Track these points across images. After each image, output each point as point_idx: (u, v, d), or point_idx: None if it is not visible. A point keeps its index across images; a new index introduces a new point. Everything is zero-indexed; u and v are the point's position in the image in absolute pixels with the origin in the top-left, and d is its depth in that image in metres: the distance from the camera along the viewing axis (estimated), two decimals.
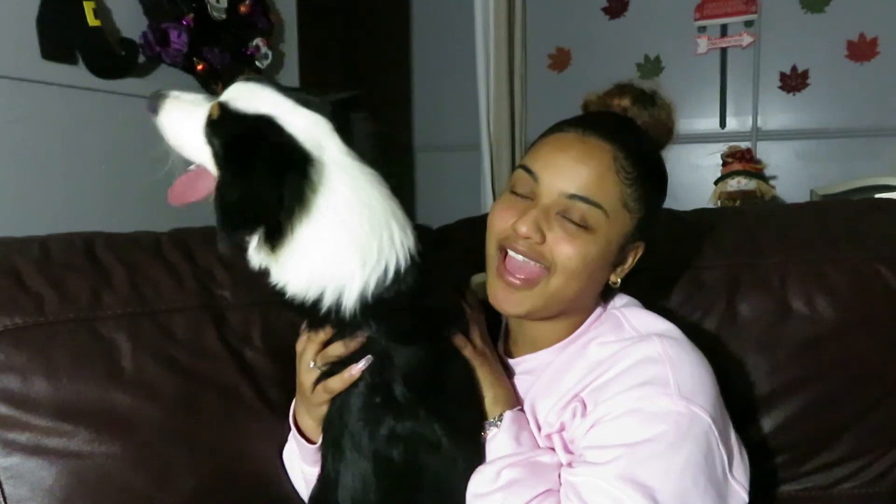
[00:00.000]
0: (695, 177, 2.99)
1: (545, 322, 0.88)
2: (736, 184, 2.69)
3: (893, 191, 2.38)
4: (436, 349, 0.81)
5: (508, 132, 2.97)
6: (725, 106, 3.11)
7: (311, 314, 0.77)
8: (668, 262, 1.10)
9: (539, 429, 0.85)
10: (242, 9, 2.06)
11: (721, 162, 2.82)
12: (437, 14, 3.56)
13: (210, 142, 0.76)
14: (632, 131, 0.87)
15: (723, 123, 3.12)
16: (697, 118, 3.12)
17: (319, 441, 0.88)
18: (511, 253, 0.84)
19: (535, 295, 0.83)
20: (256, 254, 0.77)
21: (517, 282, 0.83)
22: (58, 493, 0.83)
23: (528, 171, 0.84)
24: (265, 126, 0.73)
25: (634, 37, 3.17)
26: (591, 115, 0.91)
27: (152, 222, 1.14)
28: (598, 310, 0.91)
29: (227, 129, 0.74)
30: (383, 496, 0.80)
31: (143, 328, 0.92)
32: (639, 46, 3.15)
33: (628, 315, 0.88)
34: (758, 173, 2.73)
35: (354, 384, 0.80)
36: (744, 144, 2.90)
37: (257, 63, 2.16)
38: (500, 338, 0.99)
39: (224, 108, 0.75)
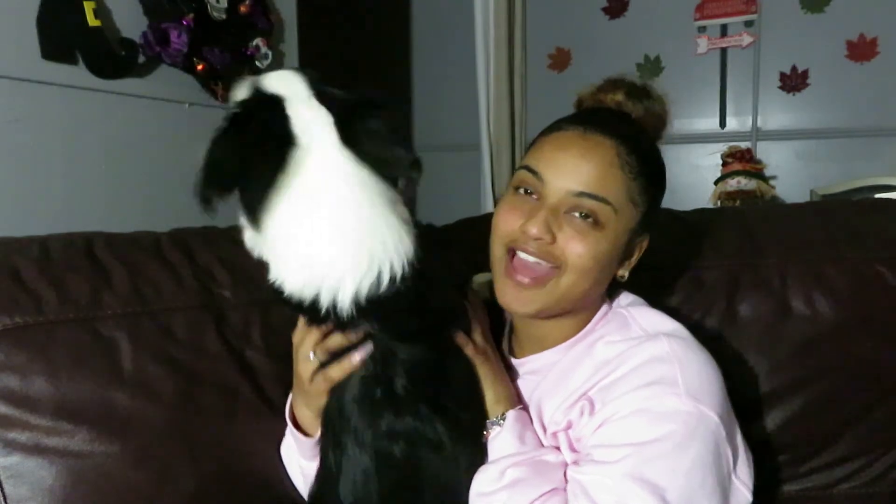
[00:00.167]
0: (695, 177, 2.99)
1: (552, 321, 0.88)
2: (736, 184, 2.69)
3: (893, 191, 2.38)
4: (437, 347, 0.81)
5: (508, 132, 2.97)
6: (725, 106, 3.11)
7: (311, 312, 0.77)
8: (668, 262, 1.10)
9: (544, 429, 0.84)
10: (242, 9, 2.06)
11: (721, 162, 2.82)
12: (437, 14, 3.57)
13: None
14: (630, 126, 0.87)
15: (723, 123, 3.12)
16: (697, 118, 3.12)
17: (317, 435, 0.87)
18: (521, 254, 0.84)
19: (546, 293, 0.83)
20: (247, 232, 0.79)
21: (527, 280, 0.83)
22: (58, 492, 0.83)
23: (532, 171, 0.84)
24: (268, 103, 0.75)
25: (634, 37, 3.17)
26: (588, 112, 0.91)
27: (152, 222, 1.14)
28: (604, 308, 0.90)
29: (242, 99, 0.78)
30: (385, 492, 0.80)
31: (143, 328, 0.92)
32: (639, 46, 3.15)
33: (635, 314, 0.88)
34: (758, 173, 2.73)
35: (355, 377, 0.80)
36: (744, 144, 2.90)
37: (257, 63, 2.16)
38: (505, 338, 0.99)
39: (253, 85, 0.79)
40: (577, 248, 0.81)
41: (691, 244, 1.13)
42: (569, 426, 0.81)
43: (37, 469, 0.83)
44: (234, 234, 1.12)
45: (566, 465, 0.80)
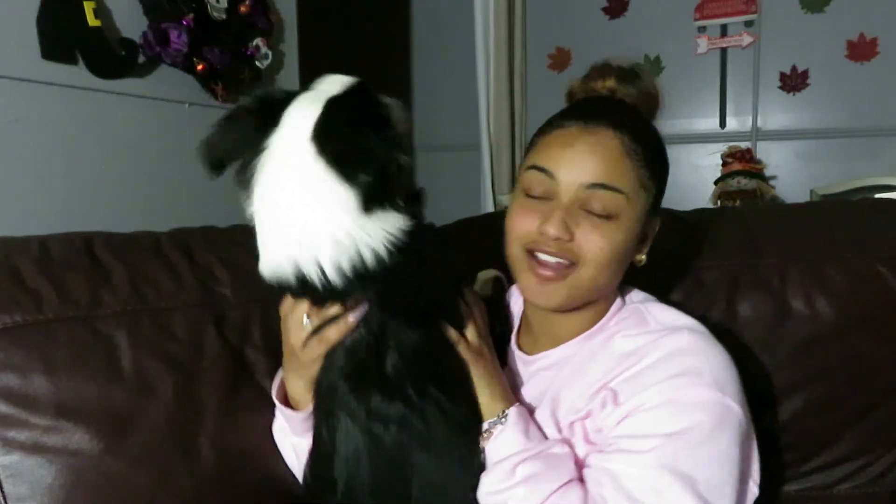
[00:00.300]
0: (695, 177, 3.00)
1: (570, 314, 0.89)
2: (736, 184, 2.70)
3: (893, 191, 2.39)
4: (431, 335, 0.81)
5: (508, 132, 2.97)
6: (725, 106, 3.11)
7: (311, 292, 0.77)
8: (668, 262, 1.10)
9: (558, 423, 0.84)
10: (242, 9, 2.07)
11: (721, 162, 2.83)
12: (437, 14, 3.57)
13: None
14: (628, 113, 0.87)
15: (723, 123, 3.12)
16: (697, 118, 3.12)
17: (309, 408, 0.87)
18: (540, 255, 0.84)
19: (568, 285, 0.83)
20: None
21: (551, 273, 0.83)
22: (57, 491, 0.83)
23: (542, 169, 0.84)
24: (277, 103, 0.78)
25: (634, 37, 3.18)
26: (583, 103, 0.91)
27: (152, 222, 1.14)
28: (618, 303, 0.91)
29: (259, 94, 0.82)
30: (375, 476, 0.80)
31: (143, 326, 0.92)
32: (639, 46, 3.15)
33: (652, 310, 0.89)
34: (758, 173, 2.74)
35: (344, 349, 0.79)
36: (744, 144, 2.90)
37: (257, 63, 2.16)
38: (514, 336, 0.99)
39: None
40: (596, 242, 0.81)
41: (691, 244, 1.13)
42: (587, 415, 0.81)
43: (36, 468, 0.83)
44: (234, 234, 1.13)
45: (573, 456, 0.80)
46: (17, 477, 0.82)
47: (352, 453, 0.80)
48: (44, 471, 0.83)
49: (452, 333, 0.82)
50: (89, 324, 0.89)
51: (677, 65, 3.13)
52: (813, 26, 2.93)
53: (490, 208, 2.86)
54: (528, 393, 0.91)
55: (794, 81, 2.99)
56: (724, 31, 3.08)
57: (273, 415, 0.97)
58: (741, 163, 2.74)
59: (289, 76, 2.38)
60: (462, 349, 0.82)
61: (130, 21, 1.81)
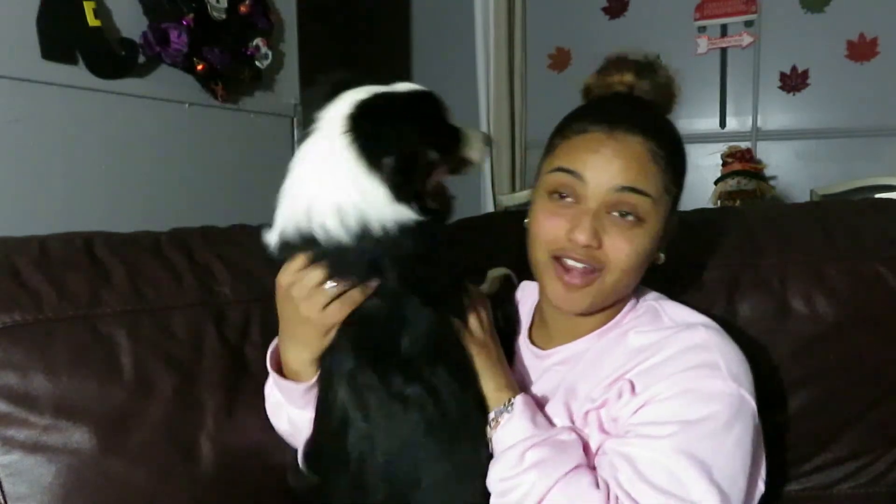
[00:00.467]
0: (695, 177, 2.97)
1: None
2: (736, 184, 2.70)
3: (893, 191, 2.38)
4: (443, 318, 0.82)
5: (508, 132, 2.98)
6: (725, 106, 3.12)
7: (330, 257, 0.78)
8: (668, 261, 1.10)
9: (571, 415, 0.84)
10: (242, 9, 2.07)
11: (721, 162, 2.83)
12: (437, 14, 3.57)
13: None
14: (651, 115, 0.87)
15: (723, 123, 3.12)
16: (697, 118, 3.12)
17: (311, 380, 0.86)
18: (568, 262, 0.84)
19: (594, 291, 0.84)
20: None
21: (578, 282, 0.84)
22: (57, 490, 0.83)
23: (570, 171, 0.84)
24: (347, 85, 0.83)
25: (634, 37, 3.17)
26: (605, 104, 0.90)
27: (152, 222, 1.14)
28: (633, 300, 0.92)
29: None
30: (386, 454, 0.81)
31: (143, 325, 0.92)
32: (639, 46, 3.13)
33: (666, 307, 0.89)
34: (758, 173, 2.74)
35: (361, 322, 0.80)
36: (744, 144, 2.90)
37: (257, 63, 2.16)
38: (526, 331, 0.99)
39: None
40: (623, 249, 0.82)
41: (691, 244, 1.13)
42: (603, 405, 0.82)
43: (36, 467, 0.83)
44: (234, 234, 1.13)
45: (582, 444, 0.81)
46: (17, 476, 0.83)
47: (363, 431, 0.81)
48: (43, 470, 0.83)
49: (457, 323, 0.82)
50: (89, 323, 0.89)
51: (677, 65, 3.09)
52: (813, 26, 2.93)
53: (490, 208, 2.86)
54: (541, 387, 0.91)
55: (794, 81, 3.00)
56: (724, 31, 3.08)
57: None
58: (741, 163, 2.74)
59: (289, 76, 2.38)
60: (466, 340, 0.83)
61: (130, 21, 1.81)
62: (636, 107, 0.88)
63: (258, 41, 2.15)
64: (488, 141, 0.90)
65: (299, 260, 0.80)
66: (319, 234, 0.76)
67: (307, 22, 2.48)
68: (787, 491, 1.07)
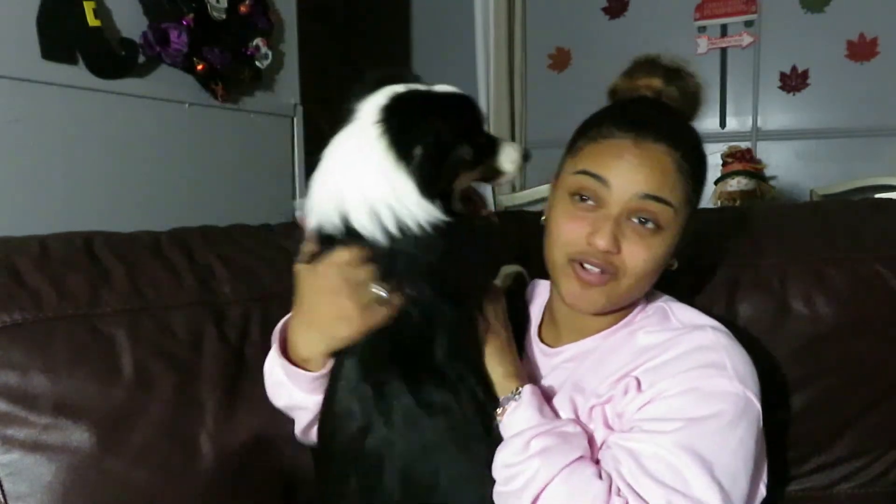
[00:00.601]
0: None
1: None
2: (736, 184, 2.69)
3: (893, 191, 2.38)
4: (471, 327, 0.83)
5: (508, 132, 2.97)
6: (725, 106, 3.12)
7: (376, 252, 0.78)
8: None
9: (576, 411, 0.85)
10: (242, 9, 2.07)
11: (721, 162, 2.82)
12: (437, 14, 3.57)
13: None
14: (677, 125, 0.88)
15: (723, 123, 3.12)
16: (697, 118, 3.12)
17: (322, 369, 0.84)
18: (586, 265, 0.85)
19: (608, 292, 0.85)
20: None
21: (593, 279, 0.85)
22: (57, 489, 0.83)
23: (595, 175, 0.84)
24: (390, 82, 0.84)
25: (634, 37, 3.18)
26: (632, 110, 0.90)
27: (152, 222, 1.14)
28: (642, 301, 0.92)
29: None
30: (406, 461, 0.81)
31: (143, 324, 0.92)
32: (639, 46, 3.12)
33: (675, 309, 0.90)
34: (758, 173, 2.73)
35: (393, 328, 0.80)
36: (744, 144, 2.90)
37: (257, 63, 2.16)
38: (536, 329, 0.99)
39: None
40: (640, 255, 0.83)
41: (691, 244, 1.13)
42: (608, 401, 0.82)
43: (36, 466, 0.83)
44: (234, 234, 1.13)
45: (586, 437, 0.81)
46: (17, 475, 0.83)
47: (384, 435, 0.80)
48: (43, 469, 0.83)
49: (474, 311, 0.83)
50: (89, 322, 0.89)
51: None
52: (813, 26, 2.93)
53: (490, 208, 2.86)
54: (548, 383, 0.92)
55: (794, 81, 3.00)
56: (724, 31, 3.08)
57: (274, 411, 0.93)
58: (741, 163, 2.73)
59: (289, 76, 2.38)
60: (482, 328, 0.84)
61: (130, 21, 1.81)
62: (663, 113, 0.89)
63: (258, 41, 2.14)
64: (526, 156, 0.89)
65: (345, 254, 0.79)
66: (357, 229, 0.77)
67: (307, 22, 2.47)
68: (787, 491, 1.07)
